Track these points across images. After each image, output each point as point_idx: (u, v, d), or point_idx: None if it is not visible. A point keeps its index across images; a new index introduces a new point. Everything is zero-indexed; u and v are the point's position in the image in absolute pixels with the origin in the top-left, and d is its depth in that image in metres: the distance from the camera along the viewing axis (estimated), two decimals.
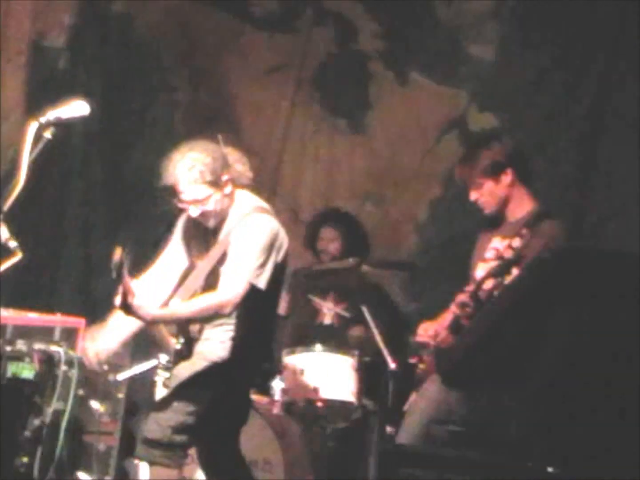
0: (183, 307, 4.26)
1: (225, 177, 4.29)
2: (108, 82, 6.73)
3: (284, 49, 6.85)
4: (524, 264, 4.45)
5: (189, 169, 4.22)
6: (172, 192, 4.28)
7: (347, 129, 6.76)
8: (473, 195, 4.56)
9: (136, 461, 5.05)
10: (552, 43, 6.21)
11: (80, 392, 4.97)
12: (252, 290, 4.22)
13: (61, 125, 4.15)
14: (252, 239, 4.23)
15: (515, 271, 4.44)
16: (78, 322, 4.98)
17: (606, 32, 6.03)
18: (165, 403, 4.39)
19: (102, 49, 6.82)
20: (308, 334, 5.61)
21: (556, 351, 5.30)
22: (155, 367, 5.20)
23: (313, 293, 5.67)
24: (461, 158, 4.78)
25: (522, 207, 4.58)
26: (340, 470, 5.48)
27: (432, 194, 6.54)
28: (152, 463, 4.37)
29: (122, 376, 5.29)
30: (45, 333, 4.78)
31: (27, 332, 4.67)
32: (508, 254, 4.38)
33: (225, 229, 4.37)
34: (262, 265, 4.22)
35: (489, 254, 4.58)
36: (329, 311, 5.66)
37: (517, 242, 4.37)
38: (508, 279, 4.40)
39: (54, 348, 4.70)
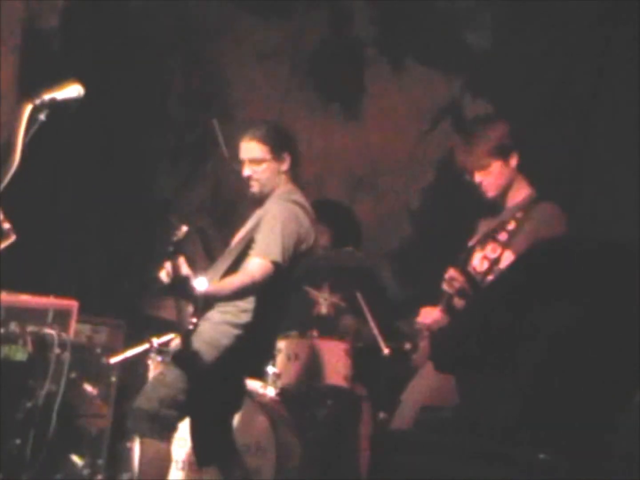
0: (222, 285, 4.31)
1: (285, 154, 4.50)
2: (102, 65, 6.70)
3: (279, 34, 6.84)
4: (519, 251, 4.45)
5: (257, 129, 4.52)
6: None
7: (341, 115, 6.75)
8: (478, 177, 4.46)
9: (129, 444, 5.07)
10: (547, 31, 6.20)
11: (73, 374, 4.98)
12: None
13: (55, 108, 4.13)
14: (277, 224, 4.35)
15: (508, 254, 4.43)
16: (71, 304, 4.98)
17: (601, 21, 6.03)
18: (158, 377, 4.43)
19: (95, 31, 6.79)
20: (305, 324, 5.61)
21: (548, 339, 5.32)
22: (148, 351, 5.22)
23: (308, 284, 5.67)
24: (465, 138, 4.69)
25: (520, 193, 4.55)
26: (332, 456, 5.49)
27: (426, 181, 6.54)
28: (139, 435, 4.40)
29: (114, 359, 5.29)
30: (38, 315, 4.77)
31: (20, 314, 4.66)
32: (502, 237, 4.36)
33: (260, 213, 4.49)
34: (286, 248, 4.33)
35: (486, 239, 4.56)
36: (325, 301, 5.67)
37: (511, 226, 4.35)
38: (502, 262, 4.38)
39: (47, 330, 4.70)
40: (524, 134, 6.15)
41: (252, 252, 4.36)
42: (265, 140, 4.48)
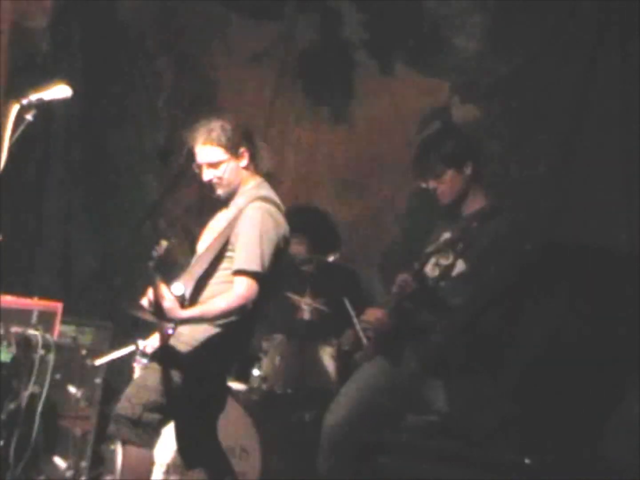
0: (208, 309, 4.26)
1: (242, 149, 4.41)
2: (90, 65, 6.69)
3: (268, 36, 6.83)
4: (471, 261, 4.50)
5: (209, 131, 4.37)
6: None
7: (330, 117, 6.75)
8: (432, 184, 4.56)
9: (112, 447, 5.05)
10: (536, 35, 6.22)
11: (57, 376, 4.96)
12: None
13: (43, 108, 4.12)
14: (255, 231, 4.29)
15: (460, 264, 4.50)
16: (56, 305, 4.96)
17: (589, 26, 6.04)
18: (139, 381, 4.39)
19: (84, 31, 6.77)
20: (289, 329, 5.61)
21: (534, 344, 5.33)
22: (133, 353, 5.20)
23: (290, 290, 5.66)
24: (419, 147, 4.78)
25: (475, 202, 4.62)
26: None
27: (413, 185, 6.54)
28: (121, 440, 4.34)
29: (99, 361, 5.27)
30: (22, 316, 4.77)
31: (4, 315, 4.65)
32: (456, 246, 4.44)
33: (230, 212, 4.43)
34: (266, 256, 4.28)
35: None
36: (307, 307, 5.66)
37: (466, 236, 4.43)
38: (454, 270, 4.47)
39: (31, 332, 4.68)
40: (511, 137, 6.19)
41: (234, 267, 4.30)
42: (218, 141, 4.36)
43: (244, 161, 4.43)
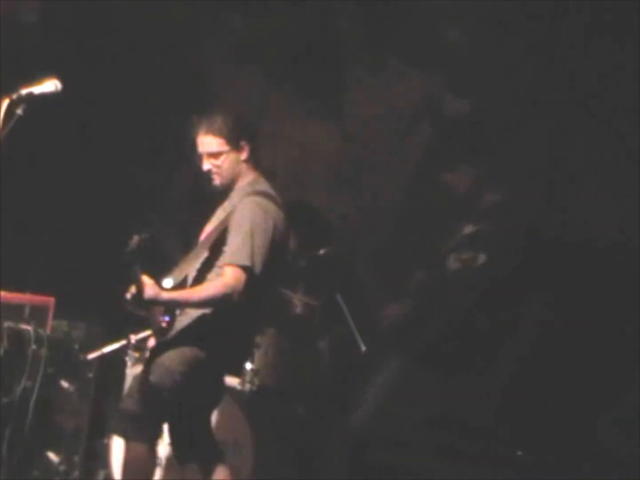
0: (192, 293, 4.29)
1: (243, 142, 4.46)
2: (80, 59, 6.67)
3: (260, 30, 6.82)
4: (492, 253, 4.51)
5: (211, 122, 4.47)
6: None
7: (322, 112, 6.74)
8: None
9: (106, 441, 5.04)
10: (528, 30, 6.22)
11: (50, 370, 4.95)
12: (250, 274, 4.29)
13: (33, 102, 4.11)
14: (245, 225, 4.31)
15: (482, 257, 4.51)
16: (48, 300, 4.95)
17: (580, 21, 6.06)
18: (141, 377, 4.38)
19: (74, 25, 6.75)
20: (280, 324, 5.60)
21: (527, 339, 5.35)
22: (125, 347, 5.19)
23: (282, 285, 5.66)
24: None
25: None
26: (311, 453, 5.49)
27: (406, 179, 6.54)
28: (125, 437, 4.34)
29: (92, 355, 5.27)
30: (15, 311, 4.75)
31: None
32: (477, 240, 4.44)
33: (227, 207, 4.46)
34: (257, 250, 4.29)
35: None
36: (300, 302, 5.66)
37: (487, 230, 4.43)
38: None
39: (23, 326, 4.67)
40: (502, 130, 6.20)
41: (222, 259, 4.32)
42: (220, 132, 4.43)
43: (244, 154, 4.48)
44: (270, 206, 4.40)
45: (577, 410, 5.22)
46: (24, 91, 4.10)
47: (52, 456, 5.13)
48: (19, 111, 4.06)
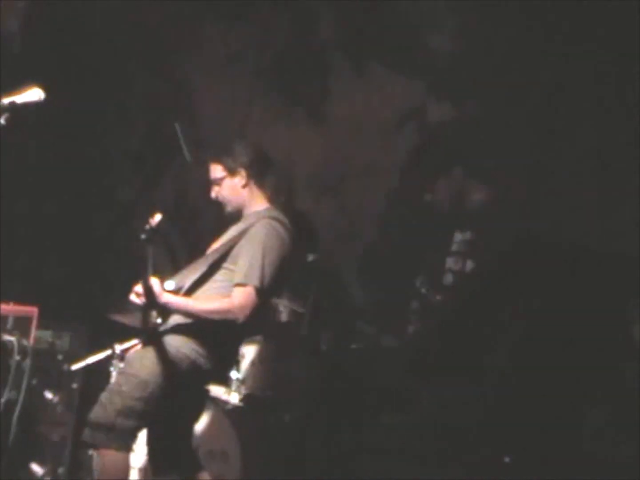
0: (197, 303, 4.36)
1: (241, 169, 4.56)
2: (63, 68, 6.64)
3: (243, 38, 6.82)
4: (479, 259, 4.52)
5: (219, 149, 4.69)
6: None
7: (305, 119, 6.74)
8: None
9: (90, 452, 5.01)
10: (510, 34, 6.24)
11: (34, 381, 4.92)
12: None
13: (15, 111, 4.08)
14: (259, 246, 4.39)
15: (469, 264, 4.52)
16: (31, 310, 4.92)
17: (562, 22, 6.08)
18: (114, 387, 4.38)
19: (57, 34, 6.72)
20: (265, 332, 5.59)
21: (513, 344, 5.35)
22: (110, 357, 5.17)
23: None
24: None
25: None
26: (298, 461, 5.48)
27: (390, 185, 6.55)
28: (96, 446, 4.33)
29: (76, 366, 5.24)
30: None
31: None
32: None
33: (241, 226, 4.53)
34: (266, 272, 4.37)
35: None
36: (285, 309, 5.65)
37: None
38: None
39: (7, 337, 4.64)
40: (486, 136, 6.21)
41: (234, 277, 4.38)
42: (219, 159, 4.60)
43: (242, 181, 4.56)
44: (283, 232, 4.48)
45: (563, 415, 5.22)
46: (6, 100, 4.07)
47: (37, 467, 5.10)
48: (1, 120, 4.03)
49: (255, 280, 4.32)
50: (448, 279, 4.53)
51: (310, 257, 5.59)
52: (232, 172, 4.56)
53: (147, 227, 4.19)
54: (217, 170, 4.59)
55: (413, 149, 6.21)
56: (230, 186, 4.57)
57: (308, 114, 6.74)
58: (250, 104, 6.81)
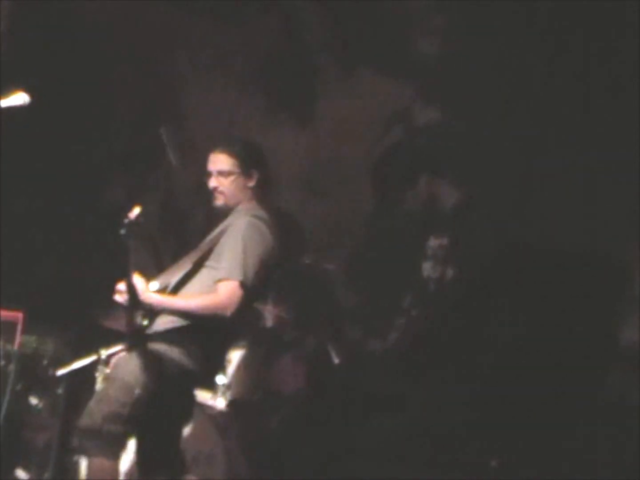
0: (183, 301, 4.33)
1: (255, 172, 4.51)
2: (50, 70, 6.61)
3: (231, 40, 6.81)
4: (458, 262, 4.52)
5: (231, 143, 4.61)
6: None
7: (293, 121, 6.73)
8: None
9: (76, 458, 4.99)
10: (497, 37, 6.24)
11: (19, 387, 4.91)
12: None
13: (0, 116, 4.07)
14: (239, 242, 4.35)
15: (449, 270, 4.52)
16: (16, 315, 4.91)
17: (550, 25, 6.09)
18: (101, 392, 4.38)
19: (44, 36, 6.70)
20: (251, 338, 5.58)
21: (501, 348, 5.36)
22: (95, 362, 5.15)
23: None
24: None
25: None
26: (283, 465, 5.48)
27: (375, 188, 6.54)
28: (85, 454, 4.33)
29: (61, 371, 5.22)
30: None
31: None
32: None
33: (222, 226, 4.48)
34: (249, 266, 4.32)
35: None
36: (269, 314, 5.64)
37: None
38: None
39: None
40: (473, 139, 6.21)
41: (217, 274, 4.34)
42: (235, 153, 4.51)
43: (252, 182, 4.52)
44: (264, 229, 4.44)
45: (550, 419, 5.23)
46: None
47: (22, 473, 5.08)
48: None
49: (238, 275, 4.28)
50: (430, 287, 4.52)
51: (294, 261, 5.56)
52: (246, 170, 4.50)
53: (126, 220, 4.13)
54: (227, 164, 4.50)
55: (404, 146, 6.19)
56: (239, 183, 4.50)
57: (295, 116, 6.73)
58: (238, 105, 6.80)
